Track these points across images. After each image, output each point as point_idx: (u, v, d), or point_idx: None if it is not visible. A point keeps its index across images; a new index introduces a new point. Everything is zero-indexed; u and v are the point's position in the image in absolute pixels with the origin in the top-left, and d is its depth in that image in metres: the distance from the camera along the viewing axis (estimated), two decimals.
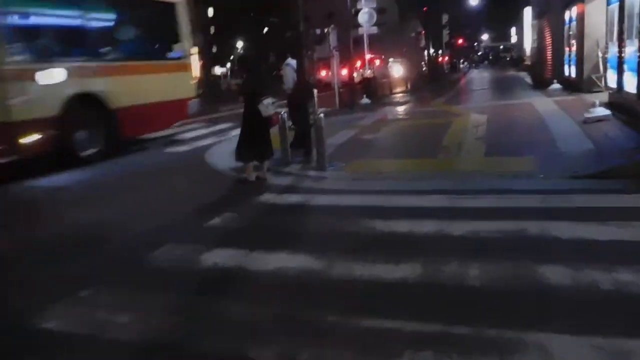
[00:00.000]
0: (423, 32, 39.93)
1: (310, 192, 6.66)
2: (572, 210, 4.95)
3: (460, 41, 67.81)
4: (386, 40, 34.90)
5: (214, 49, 47.57)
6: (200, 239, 4.98)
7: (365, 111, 15.91)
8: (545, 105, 12.56)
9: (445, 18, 44.48)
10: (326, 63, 21.77)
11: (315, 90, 9.14)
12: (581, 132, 8.42)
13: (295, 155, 8.91)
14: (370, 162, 8.13)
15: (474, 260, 3.90)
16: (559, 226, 4.46)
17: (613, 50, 10.14)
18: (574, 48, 15.14)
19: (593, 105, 9.26)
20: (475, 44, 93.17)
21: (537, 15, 24.54)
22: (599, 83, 13.29)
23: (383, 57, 37.72)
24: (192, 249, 4.64)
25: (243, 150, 7.65)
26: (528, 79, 25.80)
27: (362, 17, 18.99)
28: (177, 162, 9.95)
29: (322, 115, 8.12)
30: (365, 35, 19.51)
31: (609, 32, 10.22)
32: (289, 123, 9.17)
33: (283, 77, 9.56)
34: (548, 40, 20.68)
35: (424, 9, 35.62)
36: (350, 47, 17.66)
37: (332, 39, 16.42)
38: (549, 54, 20.66)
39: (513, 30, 59.83)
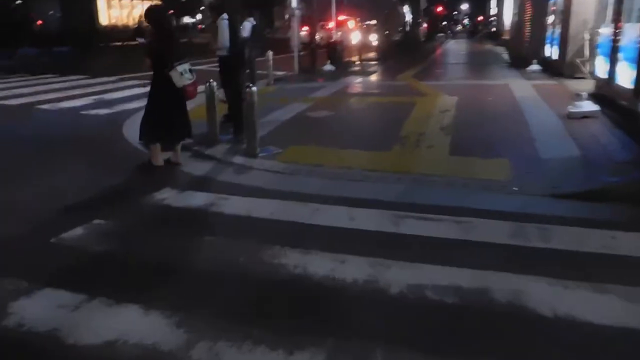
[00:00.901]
0: None
1: (224, 191, 5.19)
2: (553, 256, 3.60)
3: (439, 9, 65.88)
4: (365, 3, 33.07)
5: None
6: (17, 270, 3.46)
7: (325, 79, 14.31)
8: (523, 89, 11.19)
9: None
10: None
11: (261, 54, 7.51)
12: (564, 131, 7.07)
13: (225, 133, 7.40)
14: (312, 150, 6.65)
15: (413, 351, 2.52)
16: (538, 292, 3.10)
17: (605, 33, 8.75)
18: (557, 26, 13.73)
19: (579, 97, 7.91)
20: (455, 12, 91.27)
21: None
22: (582, 68, 11.98)
23: (359, 20, 35.87)
24: None
25: (147, 128, 6.06)
26: (505, 55, 24.42)
27: None
28: (86, 131, 8.28)
29: (254, 88, 6.55)
30: None
31: (601, 11, 8.81)
32: (220, 93, 7.61)
33: (217, 34, 7.89)
34: (529, 15, 19.24)
35: None
36: (312, 5, 15.87)
37: None
38: (528, 30, 19.24)
39: (493, 2, 58.18)
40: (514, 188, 5.13)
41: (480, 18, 77.59)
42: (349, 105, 9.97)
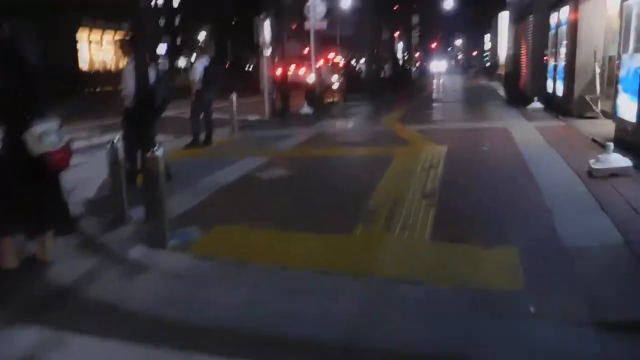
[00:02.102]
0: (397, 33, 36.85)
1: (74, 324, 3.26)
2: None
3: (434, 45, 65.17)
4: (357, 40, 31.65)
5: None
6: None
7: (297, 125, 12.53)
8: (526, 134, 9.38)
9: (415, 19, 41.45)
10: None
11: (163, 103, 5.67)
12: (590, 198, 5.17)
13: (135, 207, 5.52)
14: (243, 233, 4.77)
15: None
16: None
17: (629, 64, 6.98)
18: (561, 58, 12.05)
19: (604, 147, 6.08)
20: (450, 48, 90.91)
21: (514, 20, 21.56)
22: (594, 107, 10.23)
23: (347, 56, 34.49)
24: None
25: None
26: (501, 91, 22.85)
27: (309, 10, 15.64)
28: None
29: (160, 150, 4.72)
30: (312, 31, 16.19)
31: (624, 38, 7.06)
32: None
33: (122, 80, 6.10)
34: (526, 47, 17.66)
35: (395, 7, 32.49)
36: (282, 42, 14.23)
37: (264, 32, 13.00)
38: (526, 64, 17.62)
39: (487, 37, 57.36)
40: (530, 308, 3.23)
41: (475, 53, 77.08)
42: (313, 161, 8.10)
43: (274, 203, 5.73)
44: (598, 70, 10.05)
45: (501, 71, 30.88)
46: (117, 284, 3.93)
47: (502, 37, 31.27)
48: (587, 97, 10.35)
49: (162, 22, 45.24)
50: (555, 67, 12.63)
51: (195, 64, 10.12)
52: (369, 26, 25.80)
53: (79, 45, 30.73)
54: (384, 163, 7.24)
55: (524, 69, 18.21)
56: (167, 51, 45.34)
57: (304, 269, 3.89)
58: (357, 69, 25.58)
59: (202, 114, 10.01)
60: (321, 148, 9.26)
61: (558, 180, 5.95)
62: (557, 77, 12.39)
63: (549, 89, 13.32)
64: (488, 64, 48.27)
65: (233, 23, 41.56)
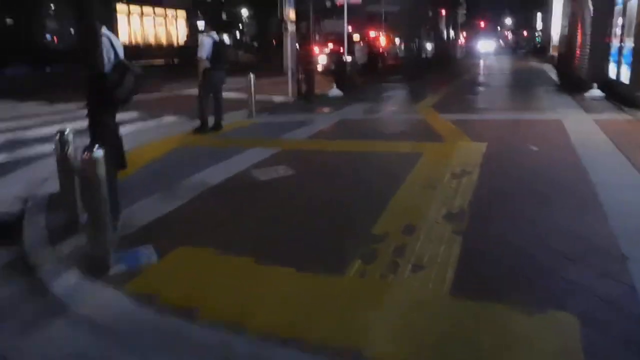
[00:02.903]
0: (444, 10, 34.74)
1: None
2: None
3: (482, 24, 62.23)
4: (403, 19, 29.80)
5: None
6: None
7: (321, 109, 11.28)
8: (584, 129, 7.85)
9: None
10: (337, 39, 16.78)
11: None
12: None
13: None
14: (206, 262, 3.63)
15: None
16: None
17: None
18: (628, 39, 10.33)
19: None
20: (499, 28, 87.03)
21: None
22: None
23: (392, 36, 32.76)
24: None
25: None
26: (553, 75, 20.88)
27: None
28: None
29: (98, 154, 3.61)
30: (345, 5, 14.79)
31: None
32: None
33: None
34: (584, 26, 15.74)
35: None
36: (309, 17, 12.87)
37: (287, 5, 11.71)
38: (582, 45, 15.71)
39: (539, 15, 54.09)
40: None
41: (525, 33, 73.47)
42: (323, 157, 6.83)
43: (260, 216, 4.55)
44: None
45: (554, 53, 28.67)
46: (8, 342, 2.88)
47: (555, 16, 28.97)
48: None
49: None
50: (620, 48, 10.89)
51: (203, 40, 8.96)
52: (411, 2, 24.11)
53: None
54: (407, 165, 5.93)
55: (578, 51, 16.35)
56: (205, 27, 44.66)
57: (265, 336, 2.72)
58: (381, 51, 23.73)
59: (211, 95, 8.94)
60: (338, 140, 7.97)
61: (635, 205, 4.52)
62: (622, 60, 10.66)
63: (612, 74, 11.58)
64: (539, 45, 45.49)
65: None
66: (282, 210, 4.70)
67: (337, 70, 14.47)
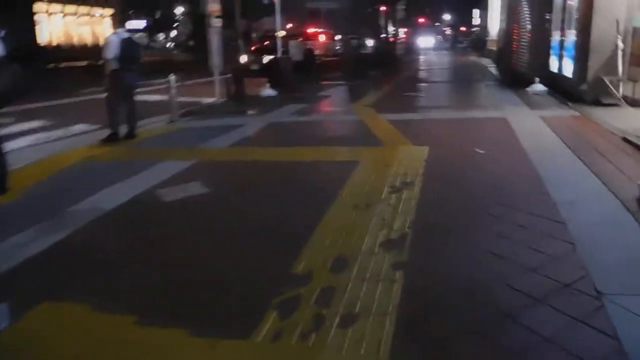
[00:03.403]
0: (384, 6, 34.33)
1: None
2: None
3: (421, 20, 62.56)
4: (343, 16, 29.11)
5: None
6: None
7: (252, 111, 10.36)
8: (531, 128, 7.27)
9: None
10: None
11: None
12: None
13: None
14: (75, 326, 2.72)
15: None
16: None
17: None
18: (570, 31, 9.94)
19: None
20: (437, 24, 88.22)
21: None
22: (614, 91, 8.17)
23: (332, 33, 32.08)
24: None
25: None
26: (493, 69, 20.71)
27: None
28: None
29: None
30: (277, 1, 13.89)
31: None
32: None
33: None
34: (522, 18, 15.47)
35: None
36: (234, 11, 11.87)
37: None
38: (521, 37, 15.42)
39: (476, 12, 54.90)
40: None
41: (463, 28, 74.76)
42: (245, 170, 5.89)
43: (152, 254, 3.61)
44: (621, 46, 7.97)
45: (492, 47, 28.75)
46: None
47: (493, 10, 29.07)
48: (606, 79, 8.27)
49: None
50: (562, 42, 10.50)
51: (110, 38, 7.89)
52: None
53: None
54: (341, 176, 5.11)
55: (515, 45, 16.10)
56: (147, 26, 42.70)
57: None
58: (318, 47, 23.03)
59: (122, 100, 7.89)
60: (264, 148, 7.04)
61: (596, 218, 3.85)
62: (564, 53, 10.27)
63: (553, 68, 11.22)
64: (476, 40, 45.98)
65: None
66: (182, 243, 3.78)
67: (267, 68, 13.56)
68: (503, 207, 4.13)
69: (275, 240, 3.72)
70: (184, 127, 8.87)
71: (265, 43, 18.56)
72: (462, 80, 17.19)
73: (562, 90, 9.92)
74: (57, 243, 3.82)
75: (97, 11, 34.04)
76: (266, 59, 16.12)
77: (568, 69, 9.97)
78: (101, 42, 33.76)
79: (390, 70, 21.34)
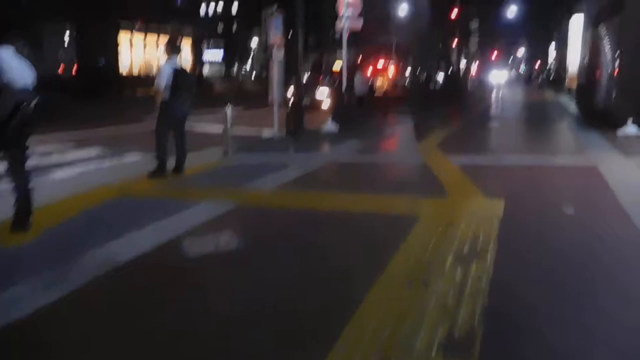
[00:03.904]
0: (456, 39, 33.45)
1: None
2: None
3: (494, 54, 60.91)
4: (416, 48, 28.51)
5: None
6: None
7: (309, 148, 9.73)
8: (630, 182, 6.12)
9: (475, 24, 37.83)
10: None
11: None
12: None
13: None
14: None
15: None
16: None
17: None
18: None
19: None
20: (511, 58, 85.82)
21: (593, 22, 17.93)
22: None
23: (401, 66, 31.51)
24: None
25: None
26: (572, 107, 19.25)
27: (341, 6, 12.84)
28: None
29: None
30: (344, 32, 13.37)
31: None
32: None
33: None
34: (605, 55, 14.12)
35: (453, 10, 29.15)
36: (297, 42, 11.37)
37: (272, 29, 10.26)
38: (609, 73, 14.04)
39: (552, 45, 52.75)
40: None
41: (538, 63, 72.24)
42: (286, 220, 5.10)
43: (154, 328, 2.91)
44: None
45: (571, 84, 27.09)
46: None
47: (573, 45, 27.46)
48: None
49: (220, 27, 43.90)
50: None
51: (163, 67, 7.50)
52: (422, 33, 22.84)
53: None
54: (395, 236, 4.26)
55: (597, 80, 14.71)
56: (224, 57, 43.77)
57: None
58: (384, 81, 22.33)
59: (172, 132, 7.49)
60: (313, 192, 6.27)
61: None
62: None
63: None
64: (552, 76, 43.97)
65: None
66: (190, 321, 3.05)
67: (332, 101, 12.99)
68: (607, 298, 3.16)
69: (296, 332, 2.88)
70: (235, 163, 8.35)
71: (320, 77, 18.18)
72: (540, 119, 15.94)
73: None
74: (48, 305, 3.20)
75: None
76: (320, 93, 15.61)
77: None
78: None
79: (460, 106, 20.31)
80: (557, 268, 3.65)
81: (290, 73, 10.91)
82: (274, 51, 10.54)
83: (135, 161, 8.62)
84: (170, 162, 7.43)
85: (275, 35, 10.43)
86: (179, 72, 7.39)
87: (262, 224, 5.00)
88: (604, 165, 7.04)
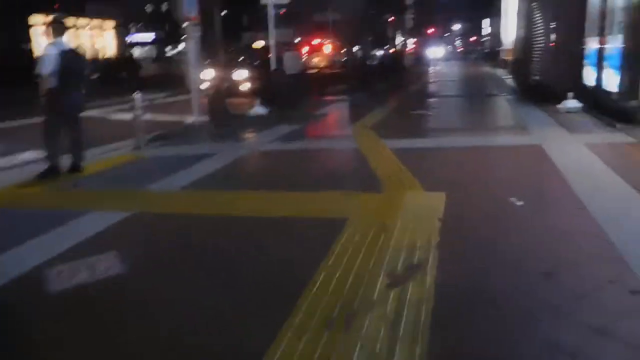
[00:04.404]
0: (392, 16, 32.94)
1: None
2: None
3: (431, 30, 61.12)
4: (353, 25, 27.72)
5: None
6: None
7: (232, 135, 8.79)
8: (580, 164, 5.51)
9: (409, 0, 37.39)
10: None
11: None
12: None
13: None
14: None
15: None
16: None
17: None
18: (612, 37, 8.27)
19: None
20: (447, 34, 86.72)
21: None
22: None
23: (337, 44, 30.72)
24: None
25: None
26: (510, 80, 19.05)
27: None
28: None
29: None
30: (270, 9, 12.37)
31: None
32: None
33: None
34: (545, 25, 13.78)
35: None
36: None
37: (184, 5, 9.13)
38: (544, 46, 13.71)
39: (486, 21, 53.25)
40: None
41: (474, 38, 73.34)
42: (187, 228, 4.21)
43: None
44: None
45: (507, 57, 27.08)
46: None
47: (508, 18, 27.41)
48: None
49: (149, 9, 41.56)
50: (600, 50, 8.80)
51: (46, 50, 6.33)
52: (357, 9, 22.08)
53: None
54: (318, 248, 3.45)
55: (535, 54, 14.43)
56: (155, 39, 41.59)
57: None
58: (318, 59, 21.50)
59: (62, 127, 6.41)
60: (225, 192, 5.33)
61: None
62: (605, 64, 8.57)
63: (588, 81, 9.53)
64: (487, 50, 44.32)
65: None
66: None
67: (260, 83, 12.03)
68: (572, 314, 2.45)
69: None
70: (145, 157, 7.35)
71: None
72: (478, 95, 15.52)
73: (603, 106, 8.22)
74: None
75: (97, 23, 32.73)
76: (237, 74, 14.57)
77: (610, 82, 8.26)
78: (99, 54, 32.47)
79: (397, 82, 19.72)
80: (513, 278, 2.93)
81: (209, 53, 9.86)
82: (189, 29, 9.44)
83: (31, 160, 7.44)
84: (67, 161, 6.39)
85: (189, 12, 9.31)
86: (67, 55, 6.26)
87: (157, 236, 4.07)
88: (549, 144, 6.44)
